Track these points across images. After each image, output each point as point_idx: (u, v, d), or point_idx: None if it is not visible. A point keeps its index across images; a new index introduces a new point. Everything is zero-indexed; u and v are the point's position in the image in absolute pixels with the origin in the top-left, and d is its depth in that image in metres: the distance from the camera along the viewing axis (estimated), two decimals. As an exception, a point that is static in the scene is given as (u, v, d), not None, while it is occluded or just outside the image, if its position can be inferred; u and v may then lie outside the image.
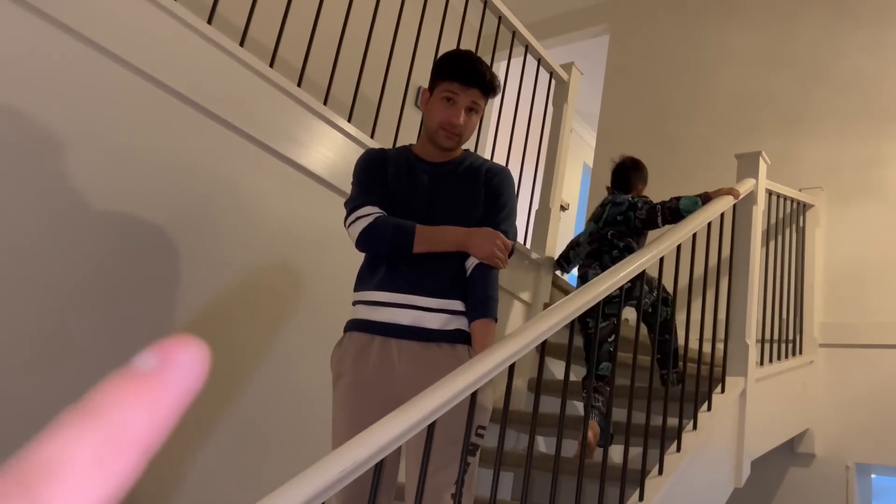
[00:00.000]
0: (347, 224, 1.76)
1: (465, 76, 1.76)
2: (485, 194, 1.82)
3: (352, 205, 1.77)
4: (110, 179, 1.87)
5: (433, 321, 1.69)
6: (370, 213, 1.73)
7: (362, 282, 1.79)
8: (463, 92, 1.76)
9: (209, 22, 2.09)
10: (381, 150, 1.91)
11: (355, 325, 1.75)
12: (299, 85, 2.36)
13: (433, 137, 1.82)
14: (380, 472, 1.24)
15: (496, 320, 1.74)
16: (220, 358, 2.10)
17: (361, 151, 2.51)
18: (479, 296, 1.72)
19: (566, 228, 6.45)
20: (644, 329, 2.82)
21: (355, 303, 1.79)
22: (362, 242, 1.73)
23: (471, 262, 1.77)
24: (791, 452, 3.46)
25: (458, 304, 1.73)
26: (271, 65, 2.26)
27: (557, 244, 3.61)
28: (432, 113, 1.80)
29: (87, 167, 1.82)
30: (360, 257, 2.51)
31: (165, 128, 1.98)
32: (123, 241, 1.89)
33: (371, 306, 1.73)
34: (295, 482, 1.07)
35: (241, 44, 2.19)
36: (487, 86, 1.78)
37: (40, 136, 1.74)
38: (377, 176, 1.81)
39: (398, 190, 1.80)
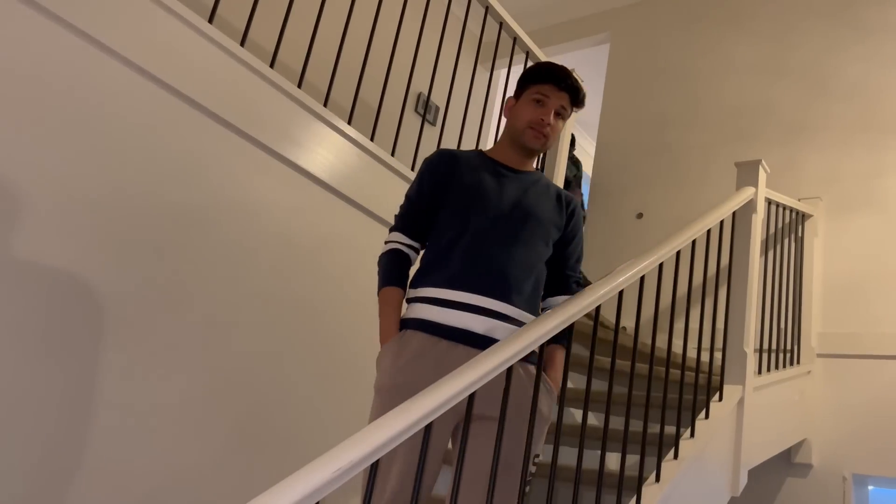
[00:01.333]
0: (385, 240, 1.80)
1: (558, 80, 1.78)
2: (564, 223, 1.85)
3: (394, 224, 1.80)
4: (108, 177, 1.86)
5: (506, 332, 1.64)
6: (393, 240, 1.76)
7: (428, 275, 1.70)
8: (554, 94, 1.77)
9: (210, 21, 2.09)
10: (452, 154, 1.82)
11: (420, 325, 1.66)
12: (300, 85, 2.36)
13: (519, 138, 1.79)
14: (375, 470, 1.22)
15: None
16: (217, 359, 2.10)
17: (361, 154, 2.53)
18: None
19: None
20: (643, 337, 2.81)
21: (417, 299, 1.70)
22: (378, 265, 1.77)
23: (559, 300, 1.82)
24: (788, 462, 3.45)
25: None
26: (272, 66, 2.26)
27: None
28: (520, 114, 1.79)
29: (84, 165, 1.82)
30: (357, 257, 2.51)
31: (164, 126, 1.98)
32: (120, 240, 1.89)
33: (440, 307, 1.65)
34: (289, 481, 1.06)
35: (242, 44, 2.19)
36: (577, 93, 1.80)
37: (39, 133, 1.74)
38: (437, 185, 1.76)
39: (477, 184, 1.75)
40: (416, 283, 1.72)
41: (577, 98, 1.81)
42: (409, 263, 1.77)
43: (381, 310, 1.71)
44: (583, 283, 1.92)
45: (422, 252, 1.80)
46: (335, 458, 1.12)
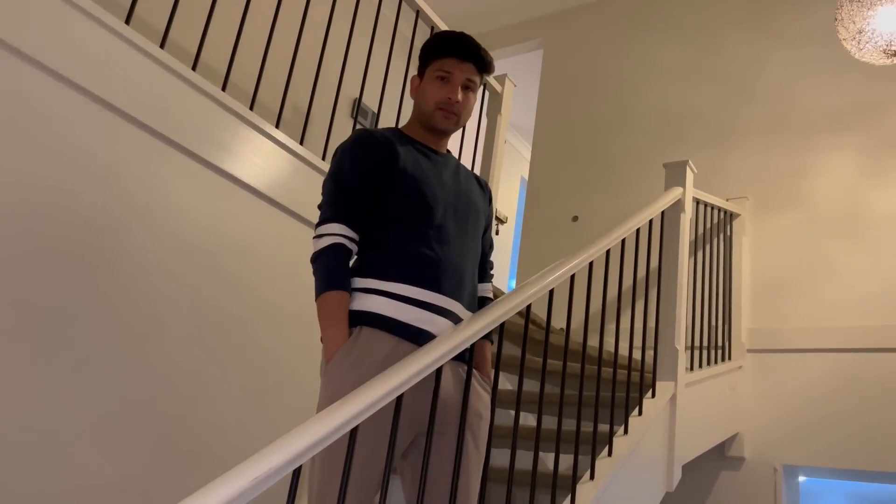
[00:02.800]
0: (314, 234, 1.59)
1: (459, 51, 1.67)
2: (488, 208, 1.82)
3: (324, 214, 1.59)
4: (18, 183, 1.78)
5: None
6: (334, 233, 1.56)
7: (385, 266, 1.57)
8: (457, 68, 1.67)
9: (127, 22, 2.02)
10: (382, 134, 1.66)
11: (380, 322, 1.52)
12: (224, 88, 2.30)
13: (429, 121, 1.69)
14: (297, 478, 1.19)
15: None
16: (139, 371, 2.02)
17: (291, 158, 2.48)
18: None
19: (505, 240, 6.49)
20: (574, 336, 2.83)
21: (373, 291, 1.55)
22: (312, 262, 1.58)
23: (484, 287, 1.80)
24: (722, 456, 3.53)
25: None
26: (194, 68, 2.20)
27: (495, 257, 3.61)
28: (426, 94, 1.68)
29: (-8, 170, 1.73)
30: (288, 264, 2.46)
31: (78, 129, 1.90)
32: (32, 248, 1.80)
33: (405, 304, 1.54)
34: (206, 489, 1.02)
35: (162, 46, 2.13)
36: (482, 60, 1.69)
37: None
38: (377, 169, 1.61)
39: (420, 169, 1.64)
40: (371, 272, 1.57)
41: (483, 65, 1.70)
42: (350, 260, 1.60)
43: (328, 318, 1.51)
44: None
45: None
46: (254, 466, 1.08)
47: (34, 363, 1.79)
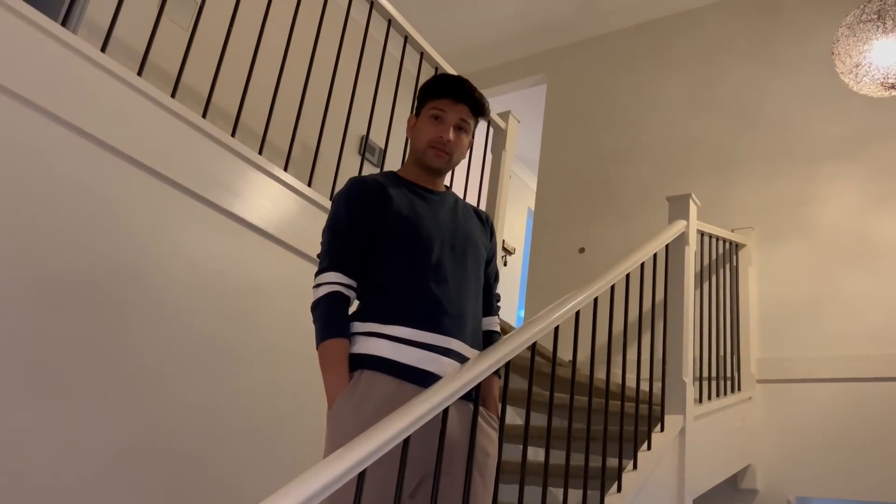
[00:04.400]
0: (314, 283, 1.63)
1: (453, 92, 1.71)
2: (489, 242, 1.84)
3: (322, 263, 1.63)
4: (33, 229, 1.83)
5: None
6: (330, 282, 1.59)
7: (388, 309, 1.59)
8: (451, 108, 1.70)
9: (139, 73, 2.09)
10: (375, 180, 1.69)
11: (380, 365, 1.54)
12: (233, 134, 2.36)
13: (421, 159, 1.73)
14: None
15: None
16: (151, 411, 2.05)
17: (298, 199, 2.53)
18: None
19: (513, 271, 6.52)
20: (581, 368, 2.84)
21: (373, 334, 1.57)
22: (312, 311, 1.62)
23: (491, 321, 1.82)
24: (735, 488, 3.51)
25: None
26: (204, 114, 2.26)
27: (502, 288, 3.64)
28: (420, 133, 1.72)
29: (7, 219, 1.78)
30: (296, 305, 2.49)
31: (91, 177, 1.95)
32: (47, 294, 1.84)
33: (406, 346, 1.55)
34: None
35: (173, 94, 2.19)
36: (476, 102, 1.73)
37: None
38: (372, 215, 1.64)
39: (414, 211, 1.67)
40: (371, 316, 1.59)
41: (477, 108, 1.74)
42: (349, 307, 1.62)
43: (327, 366, 1.54)
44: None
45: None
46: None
47: (50, 405, 1.82)
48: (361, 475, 1.28)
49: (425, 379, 1.54)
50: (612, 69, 5.00)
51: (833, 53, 2.78)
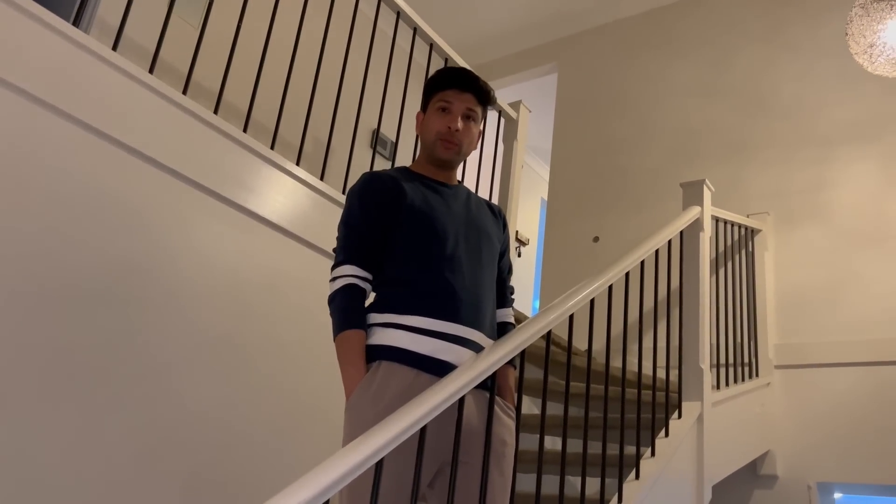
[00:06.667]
0: (330, 277, 1.65)
1: (458, 82, 1.72)
2: (501, 234, 1.84)
3: (338, 257, 1.65)
4: (51, 229, 1.85)
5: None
6: (346, 275, 1.62)
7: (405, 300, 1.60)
8: (457, 98, 1.71)
9: (150, 71, 2.10)
10: (388, 175, 1.71)
11: (397, 355, 1.55)
12: (245, 129, 2.37)
13: (432, 152, 1.74)
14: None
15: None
16: (170, 407, 2.07)
17: (311, 193, 2.53)
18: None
19: (528, 261, 6.51)
20: (597, 357, 2.84)
21: (390, 325, 1.59)
22: (329, 304, 1.64)
23: (505, 312, 1.82)
24: (754, 475, 3.49)
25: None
26: (216, 110, 2.28)
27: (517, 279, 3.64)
28: (428, 126, 1.74)
29: (24, 218, 1.80)
30: (309, 298, 2.50)
31: (106, 176, 1.97)
32: (65, 292, 1.86)
33: (422, 335, 1.57)
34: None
35: (185, 90, 2.20)
36: (481, 90, 1.74)
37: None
38: (386, 209, 1.66)
39: (428, 204, 1.68)
40: (388, 308, 1.61)
41: (482, 95, 1.74)
42: (365, 299, 1.64)
43: (345, 357, 1.56)
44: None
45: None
46: (284, 500, 1.11)
47: (69, 403, 1.84)
48: (379, 464, 1.29)
49: (442, 369, 1.54)
50: (624, 56, 4.97)
51: (847, 34, 2.75)
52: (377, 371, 1.55)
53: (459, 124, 1.71)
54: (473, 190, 3.33)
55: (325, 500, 1.17)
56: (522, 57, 5.54)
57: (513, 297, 1.91)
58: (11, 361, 1.74)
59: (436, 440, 1.52)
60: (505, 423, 1.66)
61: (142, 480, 1.98)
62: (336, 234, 1.72)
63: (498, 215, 1.87)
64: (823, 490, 3.44)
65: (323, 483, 1.17)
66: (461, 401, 1.50)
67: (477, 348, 1.63)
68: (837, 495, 3.70)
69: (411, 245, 1.65)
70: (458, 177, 1.93)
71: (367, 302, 1.65)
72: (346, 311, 1.59)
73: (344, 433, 1.57)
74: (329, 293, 1.63)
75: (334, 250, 1.69)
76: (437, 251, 1.65)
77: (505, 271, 1.87)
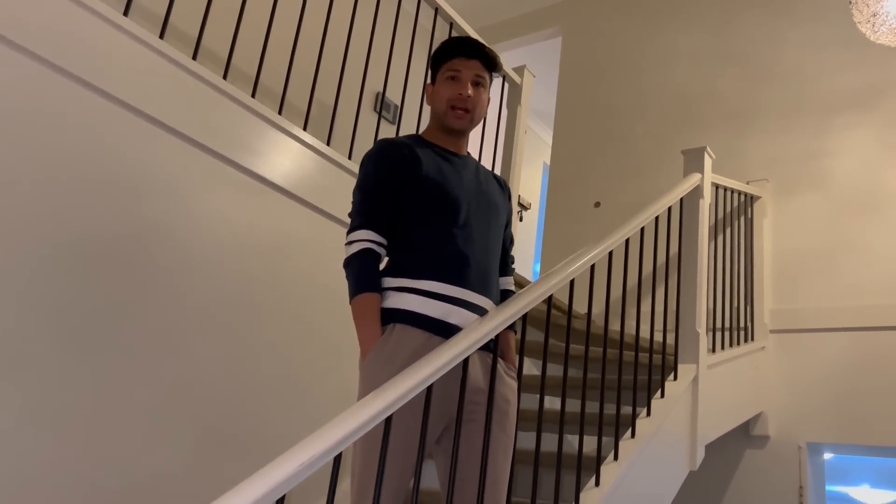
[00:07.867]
0: (346, 241, 1.70)
1: (464, 50, 1.76)
2: (507, 206, 1.89)
3: (354, 221, 1.70)
4: (64, 190, 1.89)
5: None
6: (362, 239, 1.66)
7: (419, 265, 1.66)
8: (465, 66, 1.75)
9: (161, 36, 2.12)
10: (403, 142, 1.75)
11: (411, 319, 1.61)
12: (253, 95, 2.40)
13: (443, 121, 1.78)
14: (339, 464, 1.28)
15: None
16: (182, 365, 2.14)
17: (318, 158, 2.58)
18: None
19: (529, 225, 6.55)
20: (596, 320, 2.90)
21: (405, 289, 1.64)
22: (344, 267, 1.68)
23: (507, 280, 1.88)
24: (746, 435, 3.59)
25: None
26: (225, 75, 2.30)
27: (518, 243, 3.69)
28: (439, 96, 1.77)
29: (35, 181, 1.85)
30: (319, 260, 2.56)
31: (116, 139, 2.01)
32: (78, 254, 1.92)
33: (435, 300, 1.62)
34: (258, 474, 1.12)
35: (194, 55, 2.23)
36: (487, 56, 1.78)
37: (-5, 152, 1.76)
38: (400, 176, 1.70)
39: (441, 173, 1.72)
40: (401, 272, 1.66)
41: (489, 62, 1.79)
42: (380, 263, 1.69)
43: (361, 318, 1.62)
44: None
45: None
46: (299, 453, 1.18)
47: (82, 360, 1.91)
48: (388, 420, 1.37)
49: (451, 332, 1.60)
50: (627, 21, 4.95)
51: (850, 2, 2.75)
52: (391, 334, 1.61)
53: (470, 90, 1.75)
54: (476, 155, 3.37)
55: (337, 453, 1.24)
56: (527, 20, 5.51)
57: (513, 266, 1.98)
58: (31, 319, 1.80)
59: (442, 399, 1.59)
60: (508, 383, 1.73)
61: (154, 433, 2.06)
62: (342, 197, 1.77)
63: (504, 187, 1.93)
64: (813, 450, 3.55)
65: (335, 437, 1.24)
66: (466, 361, 1.56)
67: (484, 313, 1.69)
68: (827, 456, 3.82)
69: (426, 212, 1.70)
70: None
71: (381, 265, 1.70)
72: (362, 274, 1.64)
73: (358, 391, 1.64)
74: (345, 257, 1.68)
75: (350, 215, 1.73)
76: (451, 219, 1.70)
77: (507, 242, 1.93)
